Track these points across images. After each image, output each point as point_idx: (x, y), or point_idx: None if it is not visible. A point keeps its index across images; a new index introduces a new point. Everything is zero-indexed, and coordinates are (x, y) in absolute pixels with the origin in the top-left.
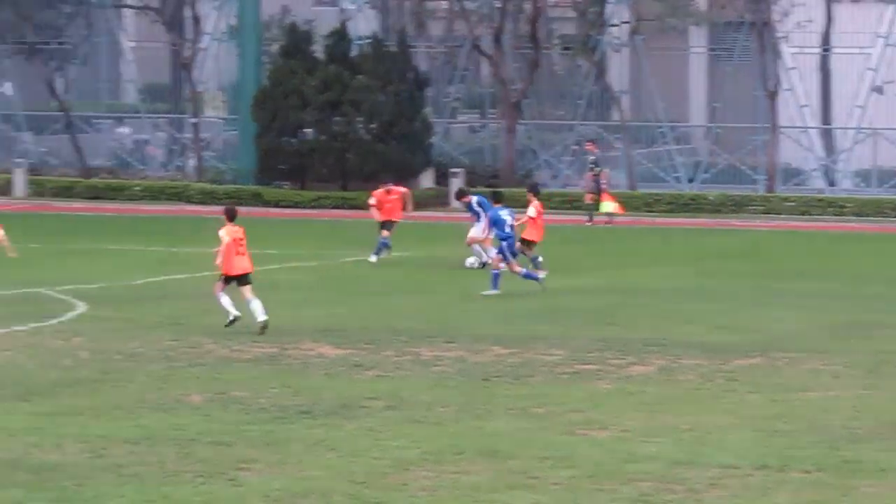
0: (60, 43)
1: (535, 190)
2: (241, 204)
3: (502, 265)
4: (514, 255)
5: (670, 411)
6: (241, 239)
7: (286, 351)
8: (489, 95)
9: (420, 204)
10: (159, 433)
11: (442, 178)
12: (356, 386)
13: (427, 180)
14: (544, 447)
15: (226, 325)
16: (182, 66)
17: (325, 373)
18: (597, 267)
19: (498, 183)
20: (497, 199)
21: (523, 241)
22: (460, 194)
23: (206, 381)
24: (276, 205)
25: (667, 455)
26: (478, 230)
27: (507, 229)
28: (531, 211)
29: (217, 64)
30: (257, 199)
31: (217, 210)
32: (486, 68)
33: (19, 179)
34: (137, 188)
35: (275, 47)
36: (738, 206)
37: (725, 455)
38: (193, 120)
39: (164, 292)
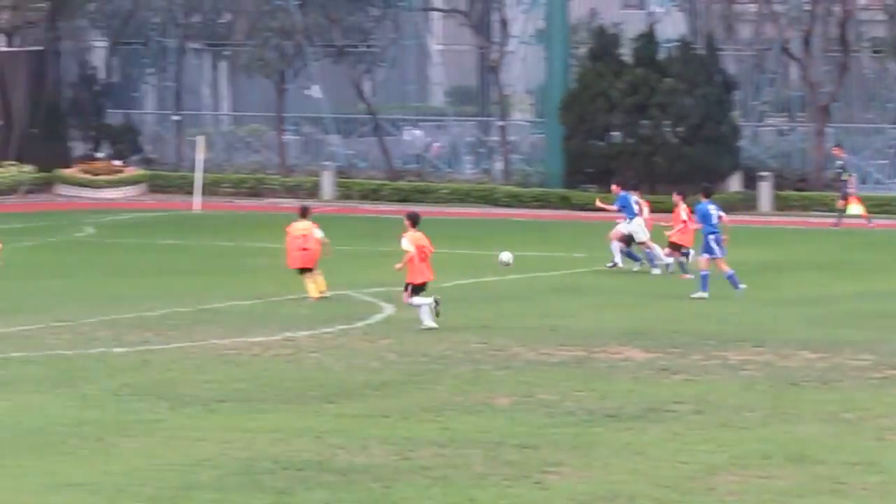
0: (368, 46)
1: (683, 193)
2: (548, 207)
3: (705, 267)
4: (720, 248)
5: None
6: (424, 247)
7: (593, 354)
8: (798, 99)
9: (728, 207)
10: (465, 436)
11: (750, 181)
12: (663, 390)
13: (735, 184)
14: (853, 452)
15: (418, 329)
16: (489, 69)
17: (632, 376)
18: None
19: (805, 186)
20: (707, 193)
21: (671, 244)
22: (617, 184)
23: (512, 384)
24: (583, 208)
25: None
26: (631, 226)
27: (715, 222)
28: (682, 214)
29: (524, 67)
30: (564, 203)
31: (525, 213)
32: (794, 71)
33: (327, 182)
34: (444, 191)
35: (582, 50)
36: None
37: None
38: (501, 123)
39: (472, 295)
